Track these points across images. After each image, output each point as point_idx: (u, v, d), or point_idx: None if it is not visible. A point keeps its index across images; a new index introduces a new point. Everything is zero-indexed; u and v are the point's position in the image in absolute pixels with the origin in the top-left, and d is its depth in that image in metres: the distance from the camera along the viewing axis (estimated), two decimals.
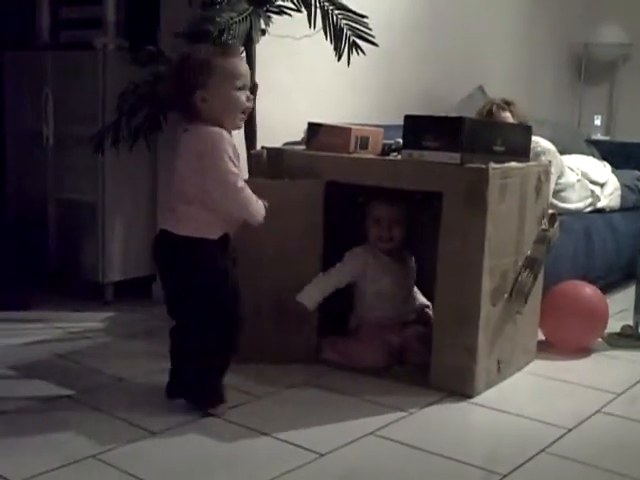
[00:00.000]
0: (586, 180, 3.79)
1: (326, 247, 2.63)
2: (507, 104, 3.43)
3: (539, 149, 3.39)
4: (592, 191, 3.79)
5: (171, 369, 2.29)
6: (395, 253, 2.75)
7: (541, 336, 2.94)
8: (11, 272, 3.27)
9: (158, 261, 2.28)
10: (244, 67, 2.23)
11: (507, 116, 3.39)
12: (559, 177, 3.53)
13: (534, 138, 3.41)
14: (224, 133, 2.16)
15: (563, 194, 3.59)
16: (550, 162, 2.97)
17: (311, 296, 2.59)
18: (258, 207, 2.21)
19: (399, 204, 2.70)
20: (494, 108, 3.41)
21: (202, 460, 1.97)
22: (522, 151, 2.67)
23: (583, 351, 2.93)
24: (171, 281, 2.26)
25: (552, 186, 3.41)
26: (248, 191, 2.18)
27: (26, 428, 2.10)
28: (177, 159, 2.22)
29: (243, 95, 2.20)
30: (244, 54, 2.94)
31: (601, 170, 3.98)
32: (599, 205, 3.82)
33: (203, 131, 2.15)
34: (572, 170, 3.71)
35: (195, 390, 2.24)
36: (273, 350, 2.61)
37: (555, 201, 3.47)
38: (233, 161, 2.15)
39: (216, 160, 2.13)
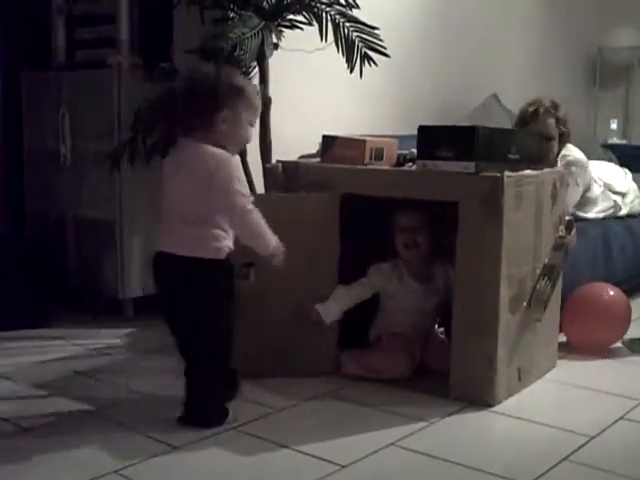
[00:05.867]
0: (609, 191, 3.76)
1: (346, 260, 2.63)
2: (555, 108, 3.34)
3: (571, 158, 3.36)
4: (615, 201, 3.76)
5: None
6: (422, 269, 2.71)
7: (562, 338, 2.94)
8: (31, 290, 3.30)
9: (163, 285, 2.27)
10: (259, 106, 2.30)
11: (551, 123, 3.31)
12: (586, 191, 3.48)
13: (569, 146, 3.40)
14: (231, 156, 2.18)
15: (586, 207, 3.56)
16: (569, 171, 2.95)
17: (330, 311, 2.58)
18: (269, 236, 2.21)
19: (422, 212, 2.66)
20: (541, 110, 3.33)
21: (223, 474, 1.97)
22: (537, 158, 2.66)
23: (606, 350, 2.94)
24: (179, 303, 2.23)
25: (577, 199, 3.39)
26: (258, 215, 2.18)
27: (47, 445, 2.11)
28: (173, 176, 2.22)
29: (250, 131, 2.27)
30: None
31: (622, 179, 3.94)
32: (620, 214, 3.80)
33: (210, 151, 2.16)
34: (595, 181, 3.67)
35: (196, 409, 2.24)
36: (292, 363, 2.62)
37: (576, 211, 3.44)
38: (242, 183, 2.18)
39: (225, 181, 2.14)
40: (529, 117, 3.34)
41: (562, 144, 3.36)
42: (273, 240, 2.22)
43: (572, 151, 3.40)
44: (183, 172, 2.19)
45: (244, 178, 2.23)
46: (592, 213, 3.61)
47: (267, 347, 2.61)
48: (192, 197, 2.16)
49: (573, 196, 3.27)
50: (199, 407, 2.24)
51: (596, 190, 3.63)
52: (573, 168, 3.26)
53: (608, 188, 3.75)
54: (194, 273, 2.18)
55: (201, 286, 2.19)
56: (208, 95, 2.18)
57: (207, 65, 2.32)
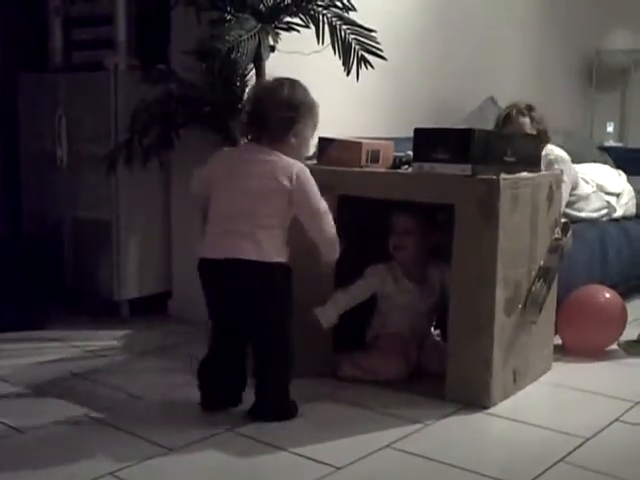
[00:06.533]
0: (601, 192, 3.76)
1: (343, 262, 2.63)
2: (529, 109, 3.36)
3: (552, 157, 3.37)
4: (608, 202, 3.77)
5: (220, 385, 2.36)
6: (417, 270, 2.72)
7: (558, 340, 2.95)
8: (28, 291, 3.29)
9: (231, 289, 2.26)
10: None
11: (525, 122, 3.33)
12: (573, 188, 3.50)
13: (549, 146, 3.40)
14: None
15: (577, 205, 3.57)
16: (562, 170, 2.97)
17: (328, 316, 2.58)
18: (338, 244, 2.31)
19: (416, 215, 2.67)
20: (513, 112, 3.35)
21: (219, 476, 1.98)
22: (533, 161, 2.67)
23: (601, 353, 2.95)
24: (250, 307, 2.26)
25: (566, 196, 3.40)
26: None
27: (42, 446, 2.11)
28: (241, 180, 2.23)
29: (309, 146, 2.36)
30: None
31: (616, 180, 3.95)
32: (615, 215, 3.81)
33: (288, 160, 2.23)
34: (587, 182, 3.68)
35: (277, 407, 2.31)
36: None
37: (569, 211, 3.45)
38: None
39: (309, 188, 2.23)
40: (502, 120, 3.38)
41: (541, 144, 3.36)
42: (338, 249, 2.32)
43: (553, 150, 3.41)
44: (250, 177, 2.22)
45: None
46: (585, 212, 3.62)
47: None
48: (265, 202, 2.20)
49: (562, 193, 3.28)
50: (280, 406, 2.30)
51: (587, 189, 3.64)
52: (556, 166, 3.26)
53: (601, 189, 3.76)
54: (268, 277, 2.22)
55: (274, 289, 2.24)
56: (289, 108, 2.26)
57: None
